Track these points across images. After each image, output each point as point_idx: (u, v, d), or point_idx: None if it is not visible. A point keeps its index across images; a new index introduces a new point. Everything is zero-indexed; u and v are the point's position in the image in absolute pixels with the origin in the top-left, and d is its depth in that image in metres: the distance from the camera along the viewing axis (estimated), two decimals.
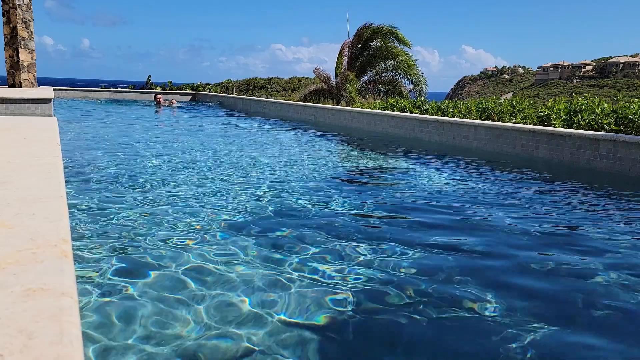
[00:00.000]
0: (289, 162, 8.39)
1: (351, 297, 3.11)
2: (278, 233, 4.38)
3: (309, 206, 5.34)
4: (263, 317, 2.81)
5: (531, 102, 11.76)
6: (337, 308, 2.97)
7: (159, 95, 23.27)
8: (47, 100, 9.83)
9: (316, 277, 3.41)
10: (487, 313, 2.97)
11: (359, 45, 20.02)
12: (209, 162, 7.97)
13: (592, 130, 8.84)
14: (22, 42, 14.19)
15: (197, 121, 16.39)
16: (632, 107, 8.79)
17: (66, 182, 3.15)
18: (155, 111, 20.25)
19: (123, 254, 3.67)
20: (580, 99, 10.07)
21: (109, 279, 3.23)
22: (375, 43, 19.73)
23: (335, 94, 20.39)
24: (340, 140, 12.28)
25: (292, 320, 2.79)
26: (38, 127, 5.73)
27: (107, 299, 2.94)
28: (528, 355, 2.52)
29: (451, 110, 12.47)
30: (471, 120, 10.83)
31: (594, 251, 4.17)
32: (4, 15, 14.13)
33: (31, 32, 14.43)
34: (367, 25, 19.61)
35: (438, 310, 2.98)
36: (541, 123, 10.06)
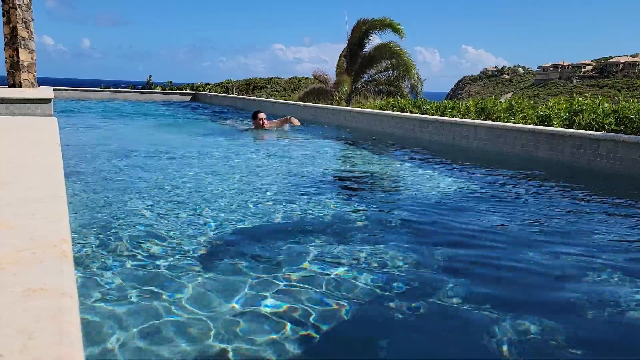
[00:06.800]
0: (288, 163, 8.39)
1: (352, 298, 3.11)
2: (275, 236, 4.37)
3: (308, 207, 5.34)
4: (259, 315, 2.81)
5: (531, 102, 11.74)
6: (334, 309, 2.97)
7: (260, 116, 12.55)
8: (47, 101, 9.83)
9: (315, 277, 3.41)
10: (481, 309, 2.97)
11: (357, 44, 20.02)
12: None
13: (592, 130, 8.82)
14: (22, 42, 14.18)
15: None
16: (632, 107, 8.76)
17: (66, 182, 3.15)
18: (254, 139, 11.60)
19: (124, 254, 3.67)
20: (580, 99, 10.05)
21: (110, 279, 3.23)
22: (373, 41, 19.75)
23: (334, 95, 20.41)
24: (339, 140, 12.27)
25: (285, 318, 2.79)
26: (38, 127, 5.74)
27: (107, 299, 2.94)
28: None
29: (450, 110, 12.47)
30: (471, 120, 10.84)
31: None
32: (4, 15, 14.11)
33: (31, 32, 14.42)
34: (363, 21, 19.56)
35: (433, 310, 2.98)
36: (541, 123, 10.05)
